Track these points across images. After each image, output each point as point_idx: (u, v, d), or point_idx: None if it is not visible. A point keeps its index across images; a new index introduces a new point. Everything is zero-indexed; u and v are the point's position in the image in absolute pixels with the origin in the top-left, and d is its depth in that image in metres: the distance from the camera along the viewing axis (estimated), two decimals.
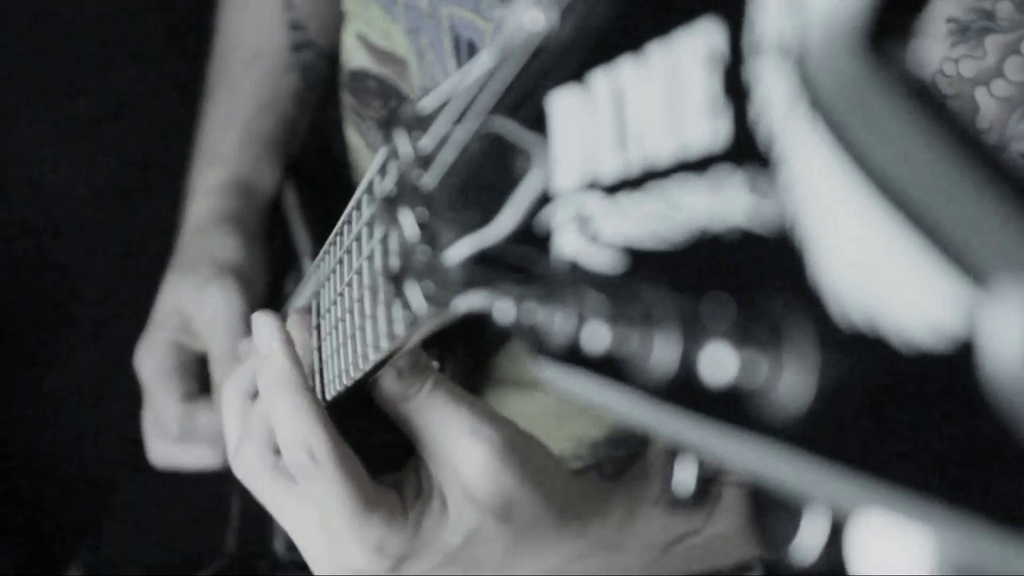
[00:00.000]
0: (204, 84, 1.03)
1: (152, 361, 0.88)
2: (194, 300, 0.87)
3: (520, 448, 0.52)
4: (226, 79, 1.01)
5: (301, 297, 0.77)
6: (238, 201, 0.95)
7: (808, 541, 0.24)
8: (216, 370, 0.86)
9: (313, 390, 0.54)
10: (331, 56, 1.03)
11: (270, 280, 0.95)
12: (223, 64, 1.02)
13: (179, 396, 0.86)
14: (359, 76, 0.93)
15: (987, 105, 0.57)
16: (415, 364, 0.52)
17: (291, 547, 1.03)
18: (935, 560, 0.21)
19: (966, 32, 0.56)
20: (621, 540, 0.58)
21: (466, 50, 0.78)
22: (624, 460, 0.68)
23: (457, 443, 0.51)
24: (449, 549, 0.53)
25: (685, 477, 0.28)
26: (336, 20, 0.98)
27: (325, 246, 0.62)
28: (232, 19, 1.04)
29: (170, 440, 0.88)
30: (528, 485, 0.52)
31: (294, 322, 0.59)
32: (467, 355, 0.81)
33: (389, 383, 0.52)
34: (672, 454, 0.28)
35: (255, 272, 0.91)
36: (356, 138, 0.99)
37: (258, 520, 1.02)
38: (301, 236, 0.99)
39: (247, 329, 0.86)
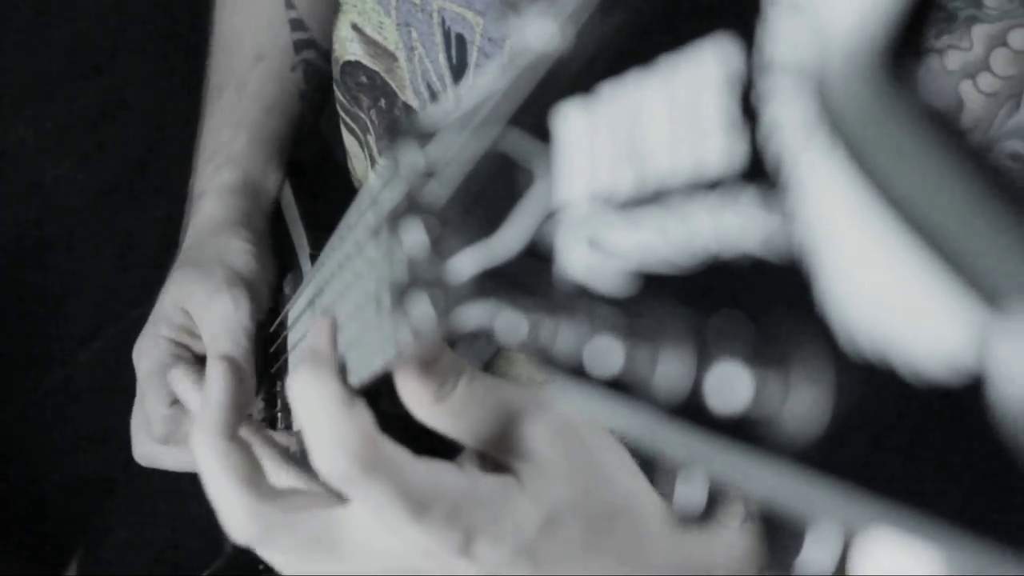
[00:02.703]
0: (204, 84, 1.03)
1: (149, 357, 0.88)
2: (203, 303, 0.87)
3: (592, 430, 0.49)
4: (231, 79, 1.01)
5: (300, 302, 0.77)
6: (249, 202, 0.95)
7: (818, 559, 0.24)
8: None
9: (348, 390, 0.49)
10: (331, 56, 1.03)
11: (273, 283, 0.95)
12: (226, 64, 1.03)
13: (167, 398, 0.86)
14: (351, 69, 0.93)
15: (972, 100, 0.54)
16: (442, 362, 0.48)
17: None
18: None
19: (952, 21, 0.54)
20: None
21: (456, 45, 0.78)
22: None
23: (521, 421, 0.47)
24: (526, 534, 0.47)
25: (693, 492, 0.28)
26: (335, 19, 0.98)
27: (324, 251, 0.62)
28: (232, 19, 1.04)
29: (155, 440, 0.88)
30: (604, 466, 0.48)
31: (322, 325, 0.54)
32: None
33: (417, 387, 0.48)
34: (677, 469, 0.28)
35: (263, 280, 0.91)
36: (350, 140, 0.99)
37: None
38: (300, 237, 0.99)
39: (251, 343, 0.86)
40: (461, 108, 0.34)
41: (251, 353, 0.85)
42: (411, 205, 0.35)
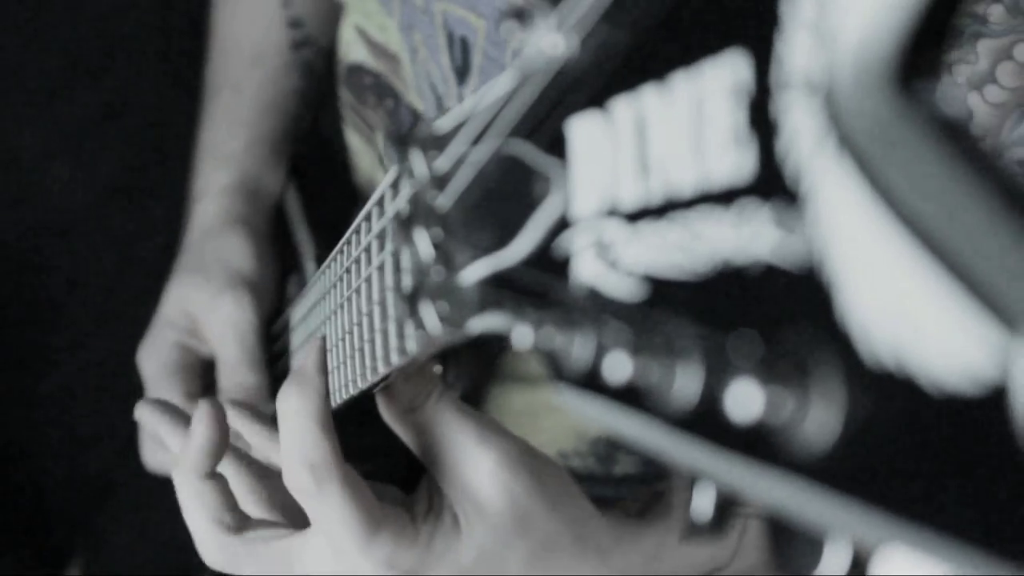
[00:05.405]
0: (203, 84, 1.03)
1: (156, 360, 0.88)
2: (206, 306, 0.87)
3: (531, 462, 0.51)
4: (228, 80, 1.01)
5: (304, 303, 0.77)
6: (247, 203, 0.95)
7: (829, 573, 0.24)
8: (225, 377, 0.86)
9: (326, 410, 0.53)
10: (331, 53, 1.03)
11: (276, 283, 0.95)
12: (223, 65, 1.02)
13: (182, 398, 0.86)
14: (356, 71, 0.92)
15: (980, 111, 0.56)
16: (420, 373, 0.51)
17: None
18: None
19: (959, 36, 0.55)
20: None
21: (459, 47, 0.78)
22: (648, 499, 0.68)
23: (465, 453, 0.50)
24: (462, 566, 0.52)
25: (703, 504, 0.28)
26: (334, 16, 0.98)
27: (330, 256, 0.62)
28: (228, 19, 1.03)
29: None
30: (541, 500, 0.51)
31: (312, 346, 0.57)
32: (470, 356, 0.81)
33: (394, 393, 0.51)
34: (691, 481, 0.28)
35: (266, 279, 0.91)
36: (355, 138, 0.98)
37: None
38: (303, 239, 0.98)
39: (258, 340, 0.86)
40: (470, 118, 0.34)
41: (258, 351, 0.85)
42: (417, 214, 0.35)
